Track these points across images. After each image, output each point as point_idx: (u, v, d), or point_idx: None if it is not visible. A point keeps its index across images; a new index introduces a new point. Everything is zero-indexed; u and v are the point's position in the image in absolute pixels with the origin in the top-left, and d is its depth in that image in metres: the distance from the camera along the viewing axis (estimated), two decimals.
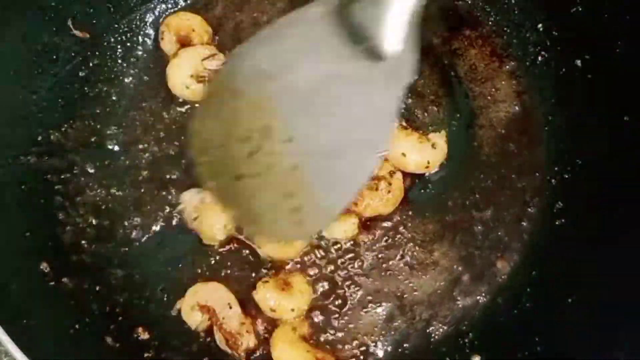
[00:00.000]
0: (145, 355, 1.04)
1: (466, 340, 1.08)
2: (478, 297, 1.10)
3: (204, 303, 1.04)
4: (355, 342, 1.07)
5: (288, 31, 1.06)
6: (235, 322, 1.04)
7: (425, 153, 1.12)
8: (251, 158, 1.04)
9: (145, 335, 1.05)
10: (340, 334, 1.08)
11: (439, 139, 1.13)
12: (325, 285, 1.10)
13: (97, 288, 1.06)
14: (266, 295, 1.05)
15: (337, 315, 1.09)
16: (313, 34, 1.04)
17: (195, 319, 1.05)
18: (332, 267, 1.10)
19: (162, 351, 1.04)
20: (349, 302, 1.10)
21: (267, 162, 1.04)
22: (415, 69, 0.98)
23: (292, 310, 1.06)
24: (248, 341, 1.04)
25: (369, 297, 1.10)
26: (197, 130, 1.06)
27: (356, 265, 1.11)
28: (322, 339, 1.08)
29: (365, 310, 1.09)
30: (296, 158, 1.03)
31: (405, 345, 1.08)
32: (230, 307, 1.04)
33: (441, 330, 1.09)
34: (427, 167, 1.12)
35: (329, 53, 1.04)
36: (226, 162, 1.04)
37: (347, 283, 1.10)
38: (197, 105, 1.14)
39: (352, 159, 1.02)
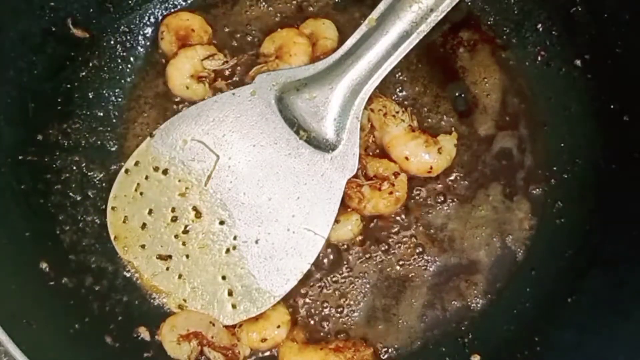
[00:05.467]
0: (145, 355, 1.04)
1: (466, 340, 1.08)
2: (478, 297, 1.10)
3: (186, 332, 1.02)
4: (353, 341, 1.07)
5: (221, 112, 1.07)
6: (225, 335, 1.03)
7: (429, 157, 1.10)
8: (179, 239, 1.04)
9: (145, 335, 1.05)
10: (342, 335, 1.09)
11: (448, 142, 1.12)
12: (324, 285, 1.10)
13: (97, 288, 1.06)
14: (248, 334, 1.04)
15: (337, 315, 1.09)
16: (249, 118, 1.06)
17: (183, 351, 1.02)
18: (328, 266, 1.11)
19: (162, 351, 1.04)
20: (347, 302, 1.10)
21: (198, 243, 1.04)
22: (357, 163, 1.05)
23: (278, 328, 1.05)
24: (245, 349, 1.04)
25: (367, 297, 1.10)
26: (116, 205, 1.07)
27: (351, 265, 1.11)
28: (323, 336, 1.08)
29: (363, 309, 1.10)
30: (230, 241, 1.04)
31: (405, 344, 1.08)
32: (214, 325, 1.03)
33: (441, 330, 1.09)
34: (429, 171, 1.11)
35: (266, 138, 1.06)
36: (150, 241, 1.06)
37: (345, 282, 1.10)
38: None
39: (291, 244, 1.04)
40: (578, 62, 1.12)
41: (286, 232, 1.05)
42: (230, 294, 1.05)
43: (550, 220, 1.12)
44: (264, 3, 1.20)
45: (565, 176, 1.13)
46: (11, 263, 0.96)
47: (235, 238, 1.06)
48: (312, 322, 1.09)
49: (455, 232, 1.12)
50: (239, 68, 1.17)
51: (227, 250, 1.06)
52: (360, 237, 1.11)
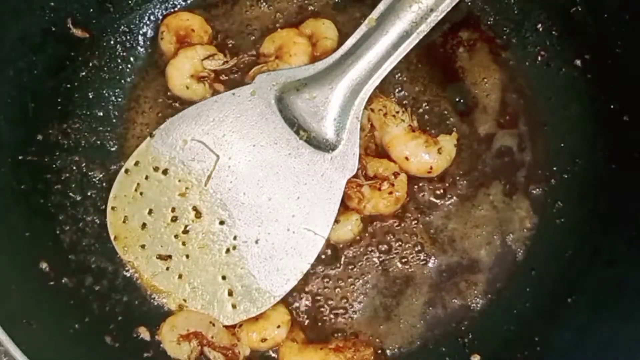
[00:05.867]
0: (145, 355, 1.04)
1: (466, 340, 1.08)
2: (478, 297, 1.10)
3: (186, 332, 1.02)
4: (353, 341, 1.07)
5: (221, 112, 1.08)
6: (225, 335, 1.03)
7: (429, 157, 1.10)
8: (179, 239, 1.04)
9: (145, 335, 1.05)
10: (342, 335, 1.09)
11: (448, 142, 1.11)
12: (324, 285, 1.10)
13: (97, 288, 1.06)
14: (248, 334, 1.04)
15: (338, 315, 1.09)
16: (249, 118, 1.06)
17: (183, 351, 1.02)
18: (329, 267, 1.11)
19: (162, 351, 1.03)
20: (348, 302, 1.10)
21: (198, 243, 1.04)
22: (357, 163, 1.05)
23: (278, 328, 1.05)
24: (245, 349, 1.04)
25: (368, 297, 1.10)
26: (116, 205, 1.07)
27: (352, 265, 1.11)
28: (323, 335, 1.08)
29: (364, 309, 1.10)
30: (230, 241, 1.04)
31: (405, 344, 1.08)
32: (214, 325, 1.03)
33: (441, 330, 1.09)
34: (429, 172, 1.11)
35: (266, 138, 1.06)
36: (150, 241, 1.06)
37: (345, 283, 1.10)
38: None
39: (291, 244, 1.04)
40: (578, 62, 1.12)
41: (286, 232, 1.05)
42: (230, 294, 1.05)
43: (550, 220, 1.12)
44: (264, 3, 1.20)
45: (565, 176, 1.13)
46: (11, 263, 0.96)
47: (235, 238, 1.06)
48: (312, 322, 1.09)
49: (455, 232, 1.12)
50: (244, 63, 1.16)
51: (227, 250, 1.06)
52: (360, 237, 1.11)
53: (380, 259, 1.11)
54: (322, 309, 1.09)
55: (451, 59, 1.19)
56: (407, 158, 1.10)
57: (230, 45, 1.18)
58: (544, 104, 1.17)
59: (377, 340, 1.08)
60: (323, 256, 1.10)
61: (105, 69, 1.16)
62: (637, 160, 1.02)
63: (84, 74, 1.14)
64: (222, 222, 1.06)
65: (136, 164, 1.08)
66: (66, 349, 0.96)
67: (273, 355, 1.06)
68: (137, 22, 1.18)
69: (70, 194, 1.10)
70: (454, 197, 1.13)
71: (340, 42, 1.12)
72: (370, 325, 1.09)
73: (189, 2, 1.20)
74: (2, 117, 1.01)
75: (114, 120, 1.16)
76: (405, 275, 1.11)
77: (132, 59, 1.18)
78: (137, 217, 1.07)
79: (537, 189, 1.14)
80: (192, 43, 1.15)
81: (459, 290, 1.10)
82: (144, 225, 1.07)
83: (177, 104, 1.15)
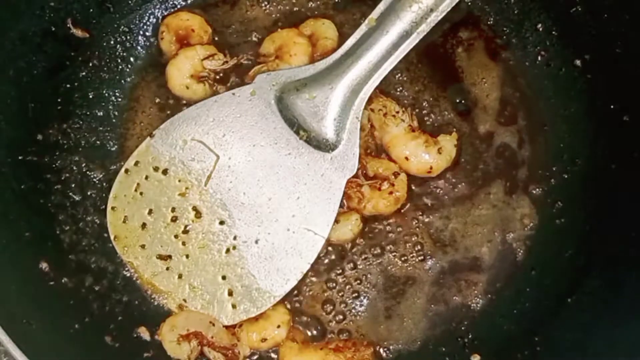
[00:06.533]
0: (145, 355, 1.04)
1: (466, 340, 1.08)
2: (478, 297, 1.10)
3: (186, 332, 1.02)
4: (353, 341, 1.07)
5: (221, 112, 1.08)
6: (225, 335, 1.03)
7: (429, 157, 1.10)
8: (179, 239, 1.04)
9: (145, 335, 1.05)
10: (342, 335, 1.09)
11: (448, 142, 1.11)
12: (324, 285, 1.10)
13: (97, 288, 1.06)
14: (248, 334, 1.04)
15: (338, 316, 1.09)
16: (249, 117, 1.06)
17: (183, 351, 1.01)
18: (329, 266, 1.11)
19: (162, 351, 1.04)
20: (347, 302, 1.10)
21: (198, 243, 1.04)
22: (357, 163, 1.05)
23: (278, 328, 1.05)
24: (245, 349, 1.04)
25: (368, 297, 1.10)
26: (116, 205, 1.07)
27: (351, 265, 1.11)
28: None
29: (364, 309, 1.10)
30: (230, 241, 1.04)
31: (405, 344, 1.08)
32: (214, 324, 1.03)
33: (441, 329, 1.09)
34: (429, 171, 1.11)
35: (266, 138, 1.06)
36: (150, 241, 1.06)
37: (345, 282, 1.10)
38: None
39: (291, 244, 1.04)
40: (578, 62, 1.12)
41: (286, 232, 1.05)
42: (230, 294, 1.05)
43: (550, 220, 1.12)
44: (264, 3, 1.20)
45: (565, 176, 1.13)
46: (11, 263, 0.96)
47: (235, 238, 1.06)
48: (312, 322, 1.09)
49: (455, 232, 1.12)
50: (243, 63, 1.16)
51: (227, 250, 1.06)
52: (360, 237, 1.11)
53: (381, 259, 1.11)
54: (322, 309, 1.09)
55: (451, 59, 1.19)
56: (407, 158, 1.10)
57: (230, 45, 1.18)
58: (544, 103, 1.17)
59: (377, 340, 1.08)
60: (323, 256, 1.10)
61: (105, 69, 1.16)
62: (637, 160, 1.02)
63: (84, 74, 1.14)
64: (222, 222, 1.06)
65: (136, 164, 1.08)
66: (66, 349, 0.96)
67: (273, 355, 1.07)
68: (137, 22, 1.18)
69: (70, 194, 1.10)
70: (454, 197, 1.13)
71: (340, 42, 1.12)
72: (371, 325, 1.09)
73: (189, 2, 1.20)
74: (2, 117, 1.01)
75: (114, 120, 1.16)
76: (406, 275, 1.11)
77: (132, 59, 1.18)
78: (137, 217, 1.07)
79: (537, 189, 1.14)
80: (192, 43, 1.15)
81: (459, 290, 1.10)
82: (144, 225, 1.07)
83: (177, 104, 1.15)
